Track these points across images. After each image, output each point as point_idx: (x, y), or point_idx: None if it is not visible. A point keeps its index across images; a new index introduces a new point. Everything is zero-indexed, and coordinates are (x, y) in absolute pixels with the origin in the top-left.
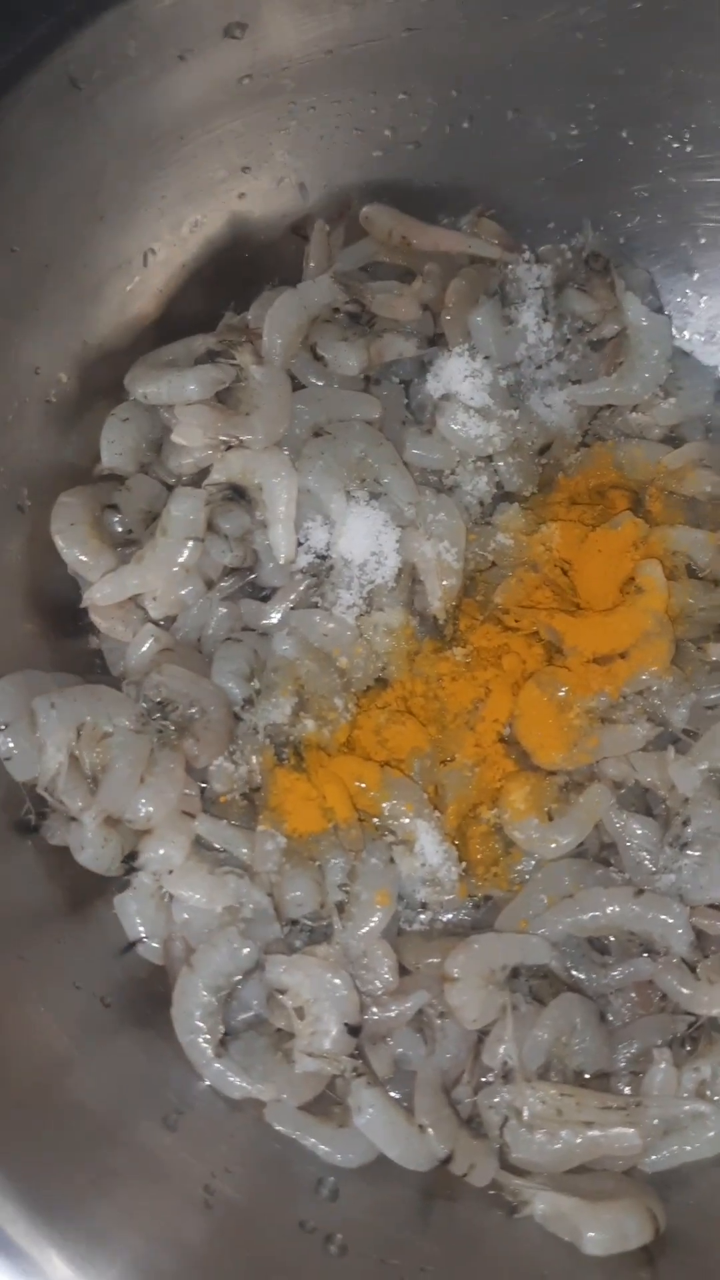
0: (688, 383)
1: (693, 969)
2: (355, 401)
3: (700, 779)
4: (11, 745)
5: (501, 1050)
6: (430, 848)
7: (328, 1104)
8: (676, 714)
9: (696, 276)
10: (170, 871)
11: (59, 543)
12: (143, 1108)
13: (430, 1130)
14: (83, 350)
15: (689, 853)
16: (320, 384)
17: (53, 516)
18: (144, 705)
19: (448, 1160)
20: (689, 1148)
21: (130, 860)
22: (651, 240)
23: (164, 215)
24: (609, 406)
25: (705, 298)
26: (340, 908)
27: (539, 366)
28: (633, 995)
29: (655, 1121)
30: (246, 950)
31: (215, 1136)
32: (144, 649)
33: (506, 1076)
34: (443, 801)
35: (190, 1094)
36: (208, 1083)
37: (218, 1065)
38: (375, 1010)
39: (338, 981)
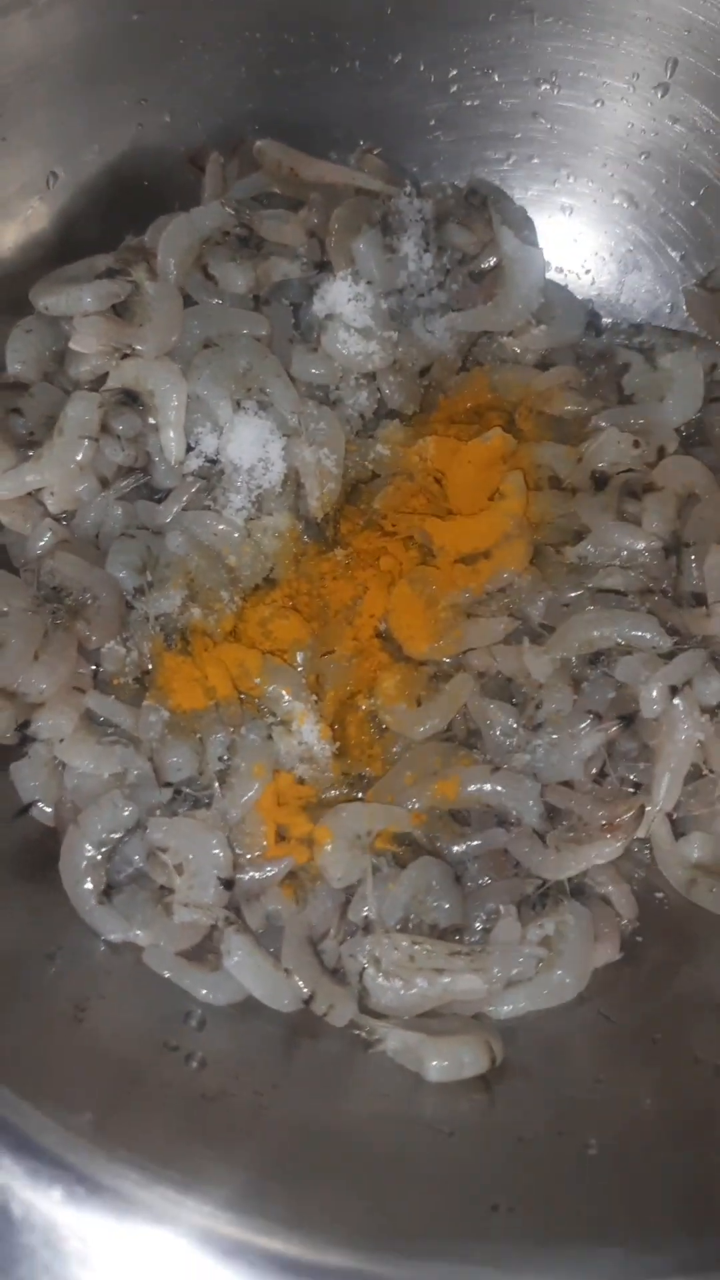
0: (560, 312)
1: (542, 838)
2: (244, 318)
3: (552, 667)
4: None
5: (364, 907)
6: (307, 727)
7: (203, 953)
8: (534, 609)
9: (570, 213)
10: (61, 741)
11: None
12: (26, 945)
13: (294, 974)
14: None
15: (542, 735)
16: (212, 301)
17: None
18: (39, 590)
19: (309, 1001)
20: (534, 997)
21: (23, 729)
22: (526, 178)
23: (66, 141)
24: (486, 333)
25: (579, 232)
26: (221, 778)
27: (421, 294)
28: (489, 862)
29: (498, 970)
30: (128, 811)
31: (92, 971)
32: (42, 541)
33: (367, 929)
34: (323, 689)
35: (73, 938)
36: (92, 927)
37: (100, 910)
38: (251, 871)
39: (214, 841)
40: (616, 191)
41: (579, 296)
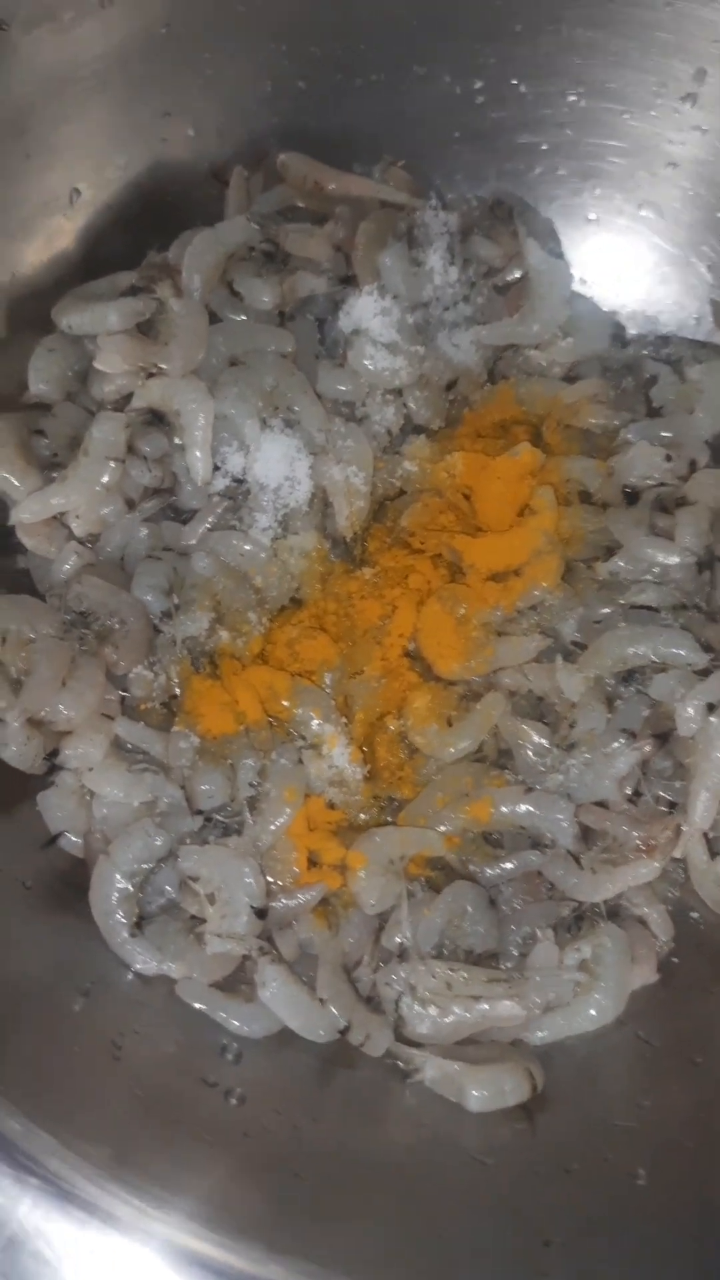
0: (586, 324)
1: (577, 860)
2: (269, 334)
3: (585, 686)
4: None
5: (398, 933)
6: (337, 751)
7: (236, 983)
8: (566, 627)
9: (596, 225)
10: (90, 769)
11: None
12: (59, 981)
13: (330, 1004)
14: (10, 283)
15: (575, 754)
16: (237, 318)
17: None
18: (66, 615)
19: (345, 1031)
20: (571, 1022)
21: (52, 758)
22: (553, 190)
23: (89, 156)
24: (512, 346)
25: (604, 244)
26: (251, 804)
27: (446, 308)
28: (523, 885)
29: (536, 996)
30: (160, 840)
31: (127, 1006)
32: (68, 565)
33: (402, 956)
34: (351, 710)
35: (105, 971)
36: (124, 961)
37: (132, 943)
38: (283, 899)
39: (246, 869)
40: (643, 202)
41: (605, 308)
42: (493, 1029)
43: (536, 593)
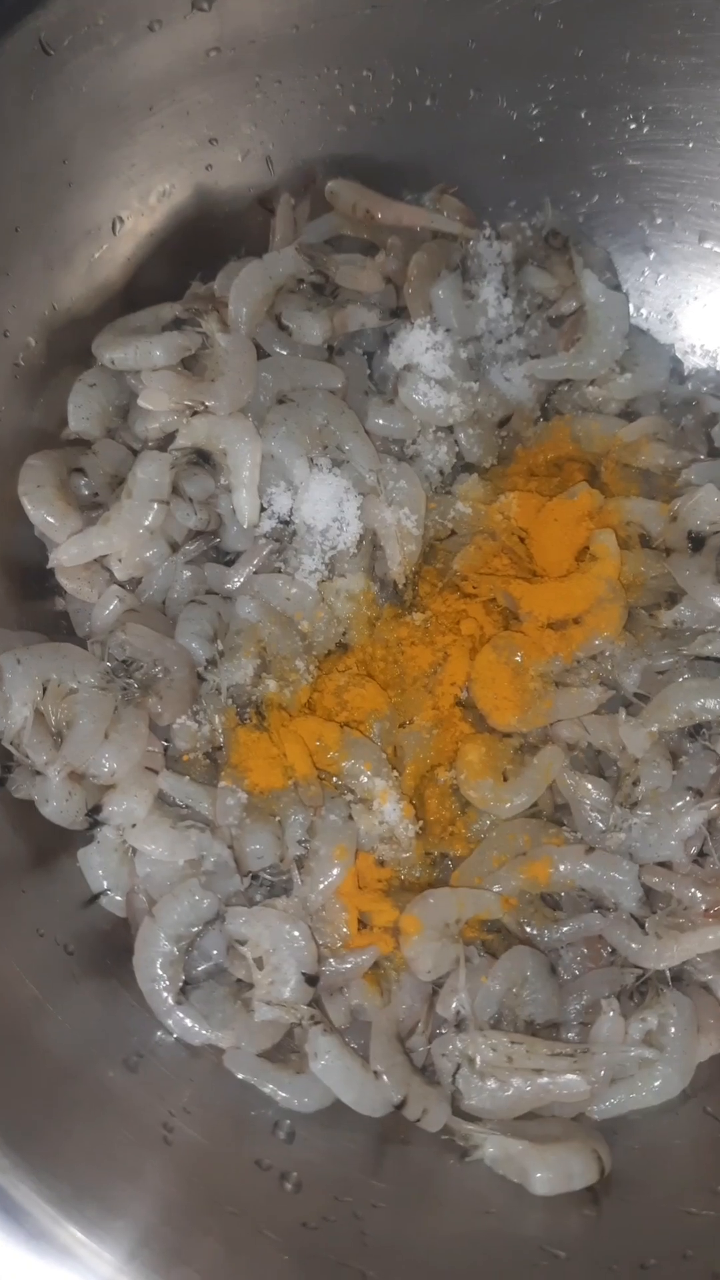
0: (644, 359)
1: (641, 924)
2: (319, 370)
3: (649, 741)
4: None
5: (455, 1001)
6: (388, 806)
7: (286, 1052)
8: (628, 678)
9: (653, 256)
10: (133, 825)
11: (26, 504)
12: (104, 1052)
13: (385, 1076)
14: (51, 315)
15: (638, 812)
16: (285, 353)
17: (20, 479)
18: (108, 664)
19: (401, 1105)
20: (635, 1095)
21: (94, 814)
22: (610, 220)
23: (132, 184)
24: (567, 381)
25: (662, 276)
26: (300, 862)
27: (499, 341)
28: (583, 949)
29: (602, 1071)
30: (207, 902)
31: (175, 1080)
32: (109, 609)
33: (459, 1025)
34: (401, 762)
35: (151, 1041)
36: (169, 1030)
37: (178, 1012)
38: (333, 962)
39: (296, 933)
40: (704, 234)
41: (662, 342)
42: (554, 1103)
43: (597, 642)
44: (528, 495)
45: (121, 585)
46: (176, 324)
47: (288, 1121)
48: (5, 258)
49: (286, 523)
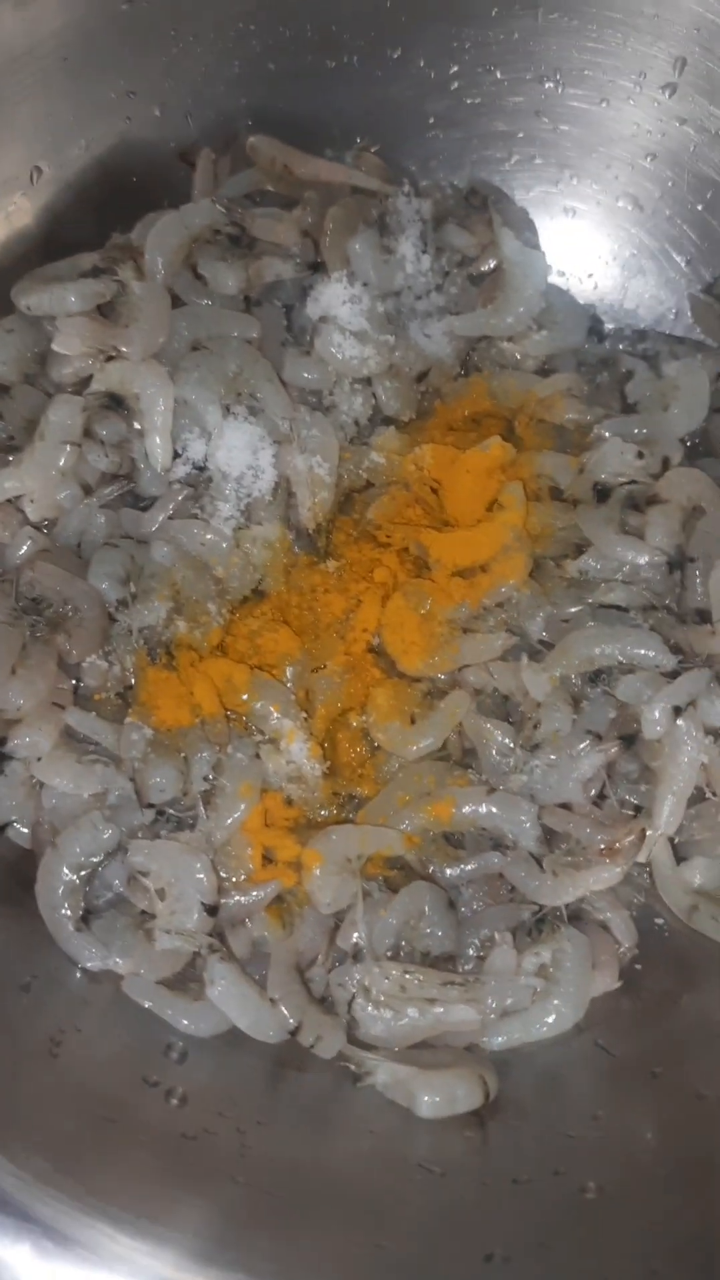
0: (562, 317)
1: (539, 863)
2: (234, 320)
3: (550, 685)
4: None
5: (354, 934)
6: (295, 746)
7: (186, 981)
8: (533, 625)
9: (574, 216)
10: (39, 759)
11: None
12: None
13: (280, 1003)
14: None
15: (540, 755)
16: (201, 303)
17: None
18: (18, 601)
19: (296, 1032)
20: (529, 1028)
21: (0, 747)
22: (529, 179)
23: (51, 135)
24: (485, 338)
25: (582, 236)
26: (206, 798)
27: (419, 297)
28: (483, 887)
29: (493, 1001)
30: (109, 833)
31: (70, 1002)
32: (22, 550)
33: (356, 956)
34: (313, 706)
35: (50, 966)
36: (70, 956)
37: (78, 938)
38: (236, 895)
39: (197, 865)
40: (621, 194)
41: (581, 301)
42: (448, 1034)
43: (503, 590)
44: (441, 447)
45: (36, 527)
46: (95, 272)
47: (180, 1043)
48: None
49: (201, 469)
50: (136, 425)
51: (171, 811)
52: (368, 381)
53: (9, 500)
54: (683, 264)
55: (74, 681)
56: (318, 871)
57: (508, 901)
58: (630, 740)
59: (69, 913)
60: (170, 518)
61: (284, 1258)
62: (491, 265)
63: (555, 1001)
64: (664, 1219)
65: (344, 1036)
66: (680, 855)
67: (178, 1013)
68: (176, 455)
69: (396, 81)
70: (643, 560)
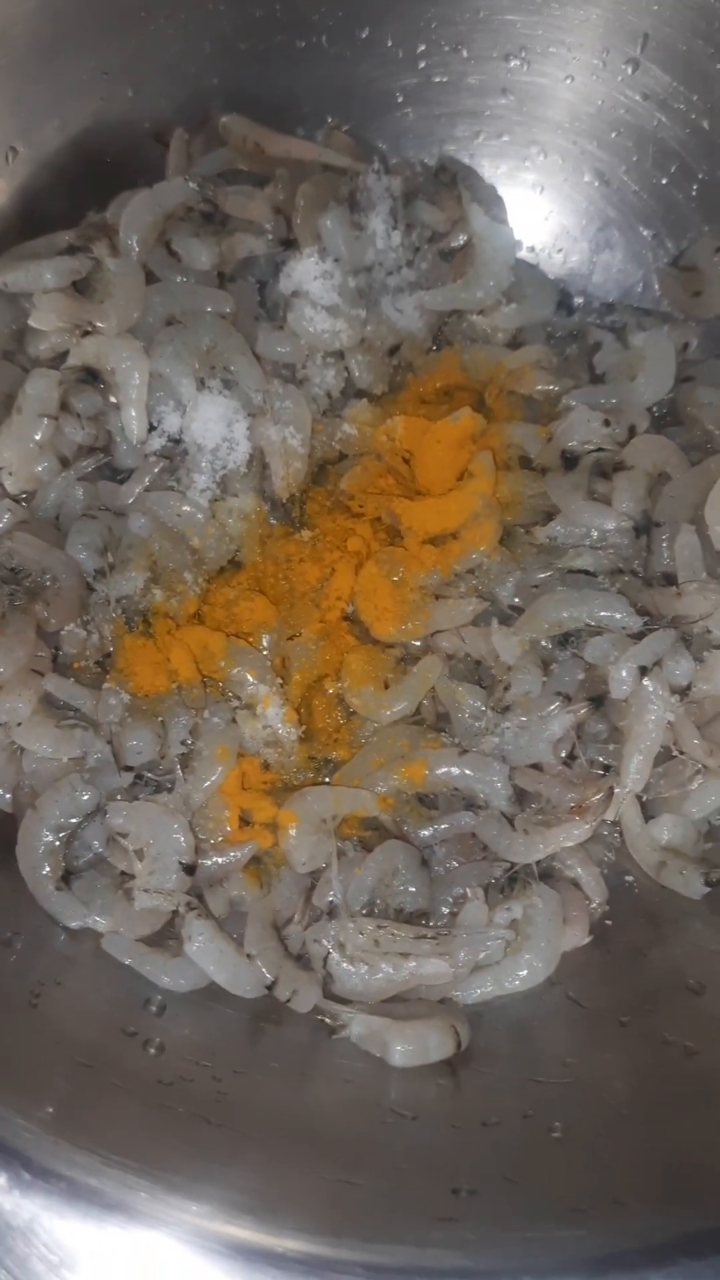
0: (531, 291)
1: (510, 821)
2: (207, 295)
3: (520, 649)
4: None
5: (330, 892)
6: (271, 710)
7: (164, 939)
8: (503, 590)
9: (541, 191)
10: (18, 724)
11: None
12: None
13: (257, 959)
14: None
15: (511, 717)
16: (176, 279)
17: None
18: None
19: (272, 987)
20: (502, 982)
21: None
22: (497, 156)
23: (26, 114)
24: (456, 312)
25: (551, 212)
26: (184, 762)
27: (390, 273)
28: (456, 845)
29: (464, 954)
30: (87, 796)
31: (52, 960)
32: (1, 521)
33: (332, 913)
34: (289, 672)
35: (32, 924)
36: (50, 915)
37: (59, 896)
38: (214, 856)
39: (175, 825)
40: (588, 169)
41: (550, 275)
42: (421, 987)
43: (474, 556)
44: (413, 419)
45: (14, 499)
46: (70, 250)
47: (159, 998)
48: None
49: (177, 441)
50: (112, 399)
51: (149, 775)
52: (340, 355)
53: None
54: (649, 237)
55: (53, 650)
56: (293, 832)
57: (480, 860)
58: (599, 701)
59: (49, 873)
60: (147, 490)
61: (257, 1192)
62: (461, 241)
63: (527, 956)
64: (628, 1153)
65: (320, 991)
66: (649, 813)
67: (156, 969)
68: (152, 428)
69: (365, 60)
70: (610, 526)
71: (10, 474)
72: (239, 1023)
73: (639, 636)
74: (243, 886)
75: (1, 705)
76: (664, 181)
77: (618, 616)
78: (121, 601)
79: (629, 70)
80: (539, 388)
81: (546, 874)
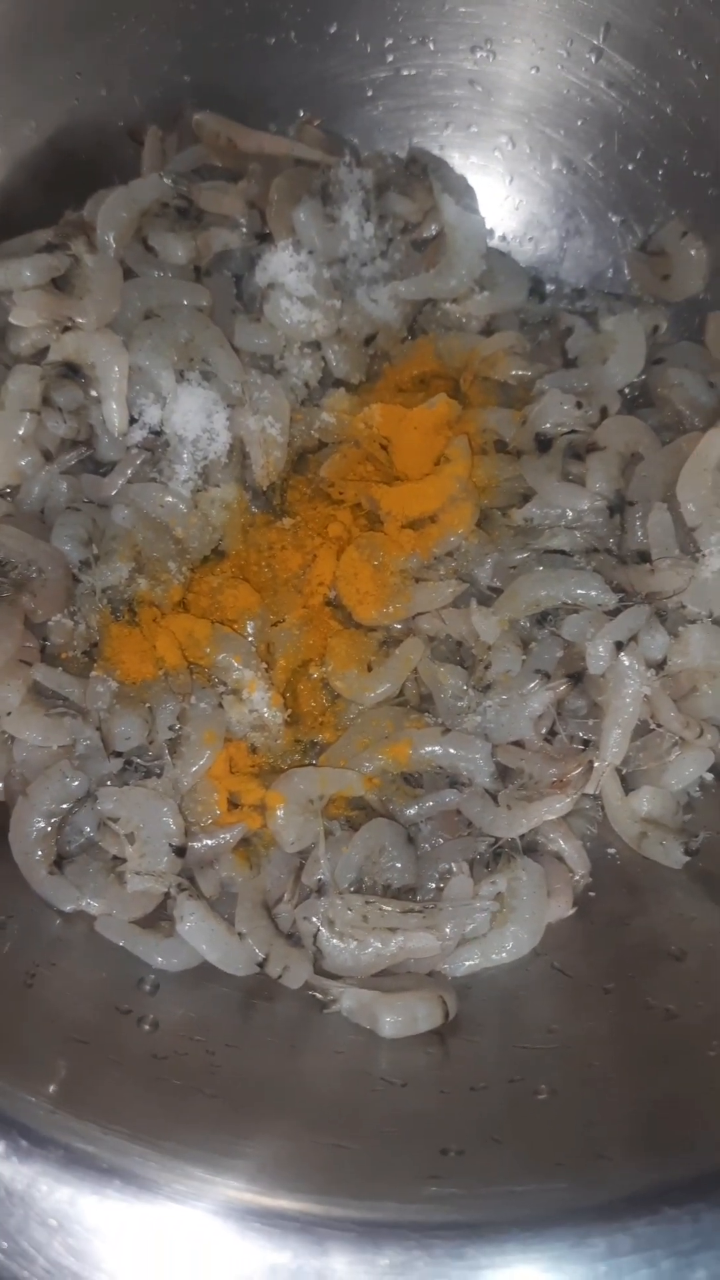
0: (503, 278)
1: (494, 798)
2: (184, 289)
3: (500, 628)
4: None
5: (319, 871)
6: (257, 695)
7: (157, 921)
8: (482, 572)
9: (511, 180)
10: (8, 714)
11: None
12: None
13: (248, 937)
14: None
15: (492, 696)
16: (153, 274)
17: None
18: None
19: (264, 964)
20: (488, 954)
21: None
22: (467, 146)
23: (3, 116)
24: (430, 301)
25: (520, 200)
26: (172, 747)
27: (364, 264)
28: (441, 822)
29: (451, 927)
30: (77, 782)
31: (45, 940)
32: None
33: (320, 891)
34: (273, 658)
35: (26, 908)
36: (44, 898)
37: (51, 880)
38: (203, 839)
39: (164, 809)
40: (556, 157)
41: (522, 263)
42: (410, 961)
43: (452, 539)
44: (390, 406)
45: None
46: (49, 248)
47: (153, 977)
48: None
49: (158, 433)
50: (93, 392)
51: (139, 761)
52: (317, 345)
53: None
54: (617, 223)
55: (41, 640)
56: (281, 812)
57: (465, 836)
58: (578, 678)
59: (42, 858)
60: (129, 481)
61: (250, 1155)
62: (433, 231)
63: (513, 928)
64: (610, 1110)
65: (310, 967)
66: (629, 786)
67: (150, 949)
68: (133, 420)
69: (334, 55)
70: (584, 505)
71: None
72: (232, 1000)
73: (615, 613)
74: (233, 868)
75: None
76: (630, 168)
77: (593, 594)
78: (107, 591)
79: (593, 59)
80: (513, 373)
81: (530, 848)
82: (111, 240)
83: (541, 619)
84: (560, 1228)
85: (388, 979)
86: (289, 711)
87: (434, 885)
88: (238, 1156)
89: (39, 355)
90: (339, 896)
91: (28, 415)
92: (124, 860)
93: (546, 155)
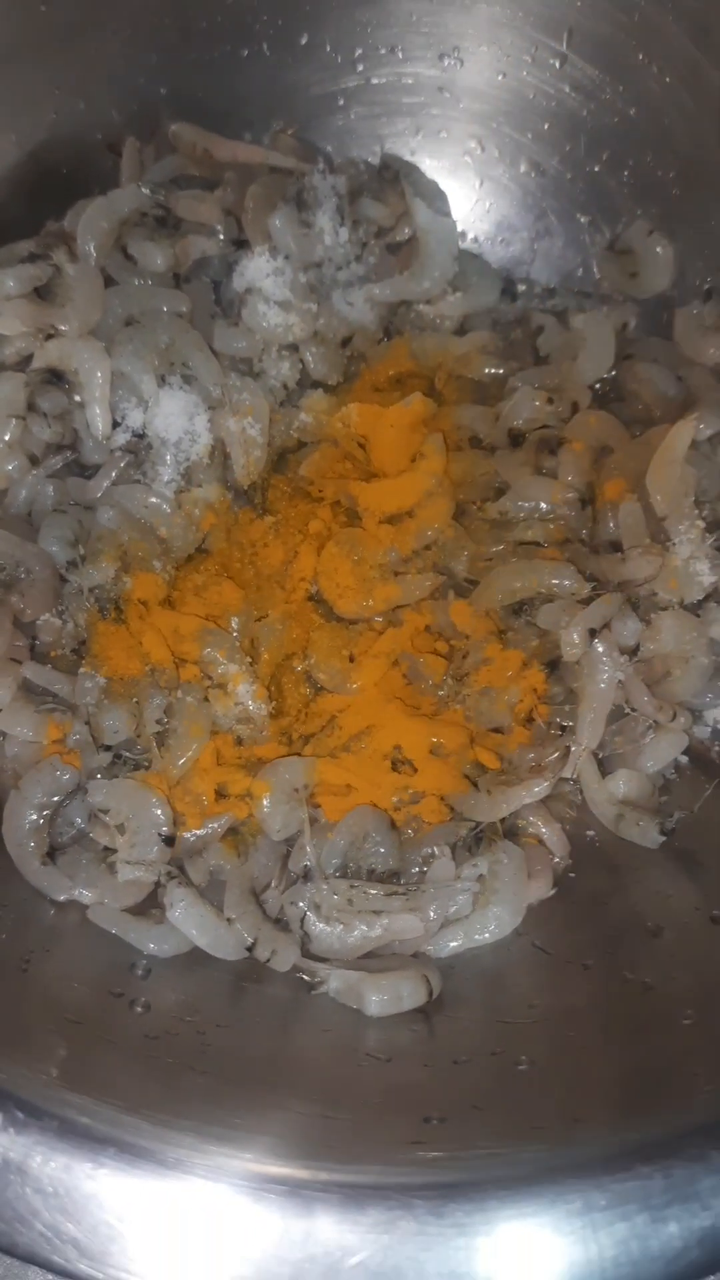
0: (475, 279)
1: (474, 784)
2: (164, 295)
3: (475, 619)
4: None
5: (305, 858)
6: (242, 688)
7: (148, 909)
8: (458, 564)
9: (481, 184)
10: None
11: None
12: None
13: (237, 922)
14: None
15: (470, 683)
16: (133, 281)
17: None
18: None
19: (252, 948)
20: (471, 935)
21: None
22: (437, 151)
23: None
24: (404, 302)
25: (490, 203)
26: (160, 740)
27: (339, 268)
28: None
29: (434, 909)
30: (67, 775)
31: (38, 929)
32: None
33: (307, 876)
34: (258, 652)
35: (19, 897)
36: (37, 888)
37: (44, 871)
38: (193, 829)
39: (153, 799)
40: (524, 160)
41: (493, 264)
42: (395, 943)
43: (429, 533)
44: (367, 406)
45: None
46: (31, 258)
47: (145, 962)
48: None
49: (141, 436)
50: (77, 398)
51: (128, 754)
52: (295, 348)
53: None
54: (585, 223)
55: (30, 639)
56: (266, 801)
57: (447, 821)
58: (554, 665)
59: (35, 849)
60: (114, 484)
61: (239, 1125)
62: (406, 234)
63: (495, 909)
64: (588, 1078)
65: (298, 951)
66: (606, 769)
67: (141, 936)
68: (116, 424)
69: (306, 65)
70: (556, 498)
71: None
72: (222, 983)
73: (588, 601)
74: (221, 856)
75: None
76: (597, 169)
77: (567, 583)
78: (94, 591)
79: (557, 64)
80: (486, 371)
81: (511, 832)
82: (92, 249)
83: (517, 609)
84: (538, 1186)
85: (374, 961)
86: (273, 704)
87: (417, 869)
88: (228, 1127)
89: (23, 362)
90: (325, 881)
91: (13, 421)
92: (115, 850)
93: (515, 159)
